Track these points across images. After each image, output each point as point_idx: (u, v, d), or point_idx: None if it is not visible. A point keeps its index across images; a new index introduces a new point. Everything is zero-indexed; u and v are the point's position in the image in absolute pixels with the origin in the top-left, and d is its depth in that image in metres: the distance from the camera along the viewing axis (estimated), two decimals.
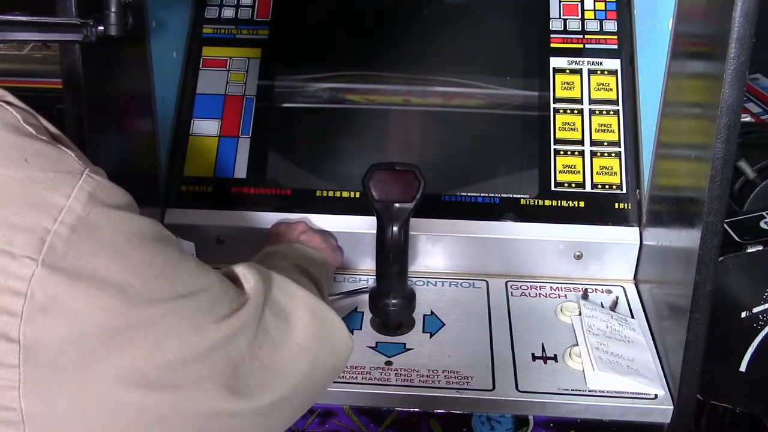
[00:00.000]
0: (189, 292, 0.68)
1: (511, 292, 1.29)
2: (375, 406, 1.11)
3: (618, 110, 1.35)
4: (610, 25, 1.41)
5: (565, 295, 1.28)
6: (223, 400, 0.70)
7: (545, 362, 1.13)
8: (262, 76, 1.41)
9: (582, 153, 1.33)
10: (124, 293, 0.62)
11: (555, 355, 1.14)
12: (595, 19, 1.42)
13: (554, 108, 1.36)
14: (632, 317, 1.22)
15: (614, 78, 1.37)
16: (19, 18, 0.97)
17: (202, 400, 0.68)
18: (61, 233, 0.59)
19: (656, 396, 1.07)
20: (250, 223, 1.32)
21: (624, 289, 1.29)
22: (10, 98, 0.67)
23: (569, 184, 1.32)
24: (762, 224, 1.25)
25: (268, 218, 1.31)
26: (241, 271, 0.81)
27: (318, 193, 1.34)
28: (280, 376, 0.77)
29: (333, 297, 1.25)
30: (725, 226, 1.17)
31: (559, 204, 1.31)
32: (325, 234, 1.26)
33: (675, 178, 1.15)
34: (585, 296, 1.27)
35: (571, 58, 1.39)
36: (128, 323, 0.63)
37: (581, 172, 1.32)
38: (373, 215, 1.14)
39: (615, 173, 1.31)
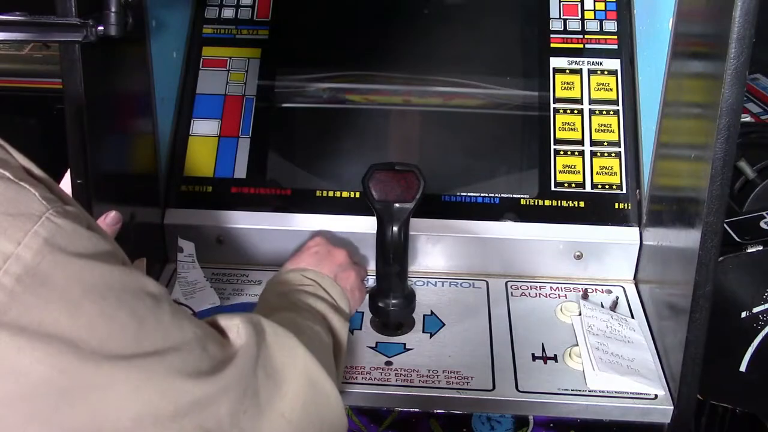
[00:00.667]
0: (156, 350, 0.62)
1: (511, 292, 1.29)
2: (375, 406, 1.11)
3: (618, 110, 1.35)
4: (610, 25, 1.41)
5: (565, 295, 1.28)
6: None
7: (545, 362, 1.13)
8: (262, 76, 1.41)
9: (582, 153, 1.33)
10: (77, 349, 0.57)
11: (555, 355, 1.14)
12: (595, 19, 1.42)
13: (554, 108, 1.36)
14: (632, 317, 1.22)
15: (614, 78, 1.37)
16: (19, 18, 0.97)
17: None
18: (5, 284, 0.55)
19: (656, 396, 1.07)
20: (250, 223, 1.31)
21: (624, 289, 1.29)
22: None
23: (569, 184, 1.32)
24: (762, 224, 1.25)
25: (268, 218, 1.31)
26: (236, 324, 0.75)
27: (318, 193, 1.34)
28: None
29: None
30: (725, 226, 1.17)
31: (559, 204, 1.31)
32: (359, 272, 1.20)
33: (675, 178, 1.15)
34: (585, 296, 1.27)
35: (571, 58, 1.39)
36: (79, 382, 0.58)
37: (581, 172, 1.32)
38: (373, 215, 1.14)
39: (615, 173, 1.31)
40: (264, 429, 0.72)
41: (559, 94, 1.37)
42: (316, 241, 1.20)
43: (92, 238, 0.61)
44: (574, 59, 1.39)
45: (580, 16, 1.42)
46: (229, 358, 0.70)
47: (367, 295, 1.20)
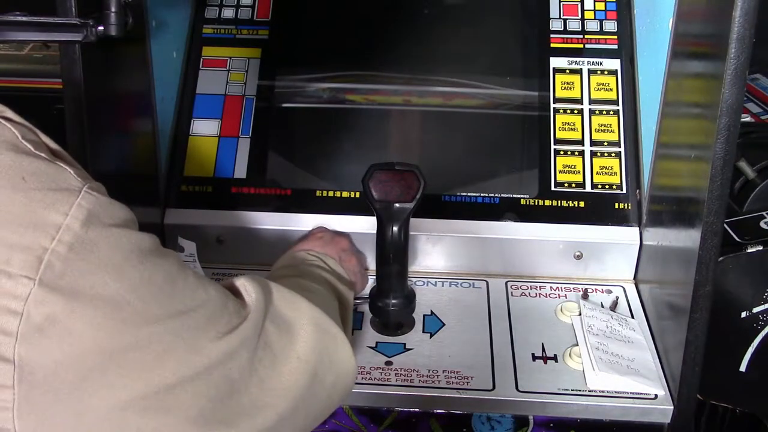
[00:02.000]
0: (188, 308, 0.67)
1: (511, 292, 1.29)
2: (375, 406, 1.11)
3: (618, 110, 1.35)
4: (610, 25, 1.41)
5: (565, 295, 1.28)
6: (217, 424, 0.69)
7: (545, 362, 1.13)
8: (262, 76, 1.41)
9: (582, 153, 1.33)
10: (122, 312, 0.62)
11: (555, 355, 1.14)
12: (595, 19, 1.42)
13: (554, 108, 1.36)
14: (632, 317, 1.22)
15: (614, 78, 1.37)
16: (19, 18, 0.97)
17: (199, 421, 0.68)
18: (59, 252, 0.59)
19: (656, 396, 1.07)
20: (250, 223, 1.32)
21: (624, 289, 1.29)
22: (9, 114, 0.66)
23: (569, 184, 1.32)
24: (762, 224, 1.25)
25: (268, 218, 1.31)
26: (242, 283, 0.80)
27: (318, 193, 1.34)
28: (280, 392, 0.76)
29: None
30: (725, 226, 1.17)
31: (559, 204, 1.31)
32: (359, 257, 1.24)
33: (675, 178, 1.15)
34: (585, 296, 1.27)
35: (571, 58, 1.39)
36: (125, 344, 0.62)
37: (581, 172, 1.32)
38: (373, 215, 1.14)
39: (615, 173, 1.31)
40: (284, 372, 0.77)
41: (559, 94, 1.37)
42: (319, 228, 1.25)
43: (122, 208, 0.66)
44: (574, 59, 1.39)
45: (580, 16, 1.42)
46: (246, 313, 0.75)
47: (368, 295, 1.20)
